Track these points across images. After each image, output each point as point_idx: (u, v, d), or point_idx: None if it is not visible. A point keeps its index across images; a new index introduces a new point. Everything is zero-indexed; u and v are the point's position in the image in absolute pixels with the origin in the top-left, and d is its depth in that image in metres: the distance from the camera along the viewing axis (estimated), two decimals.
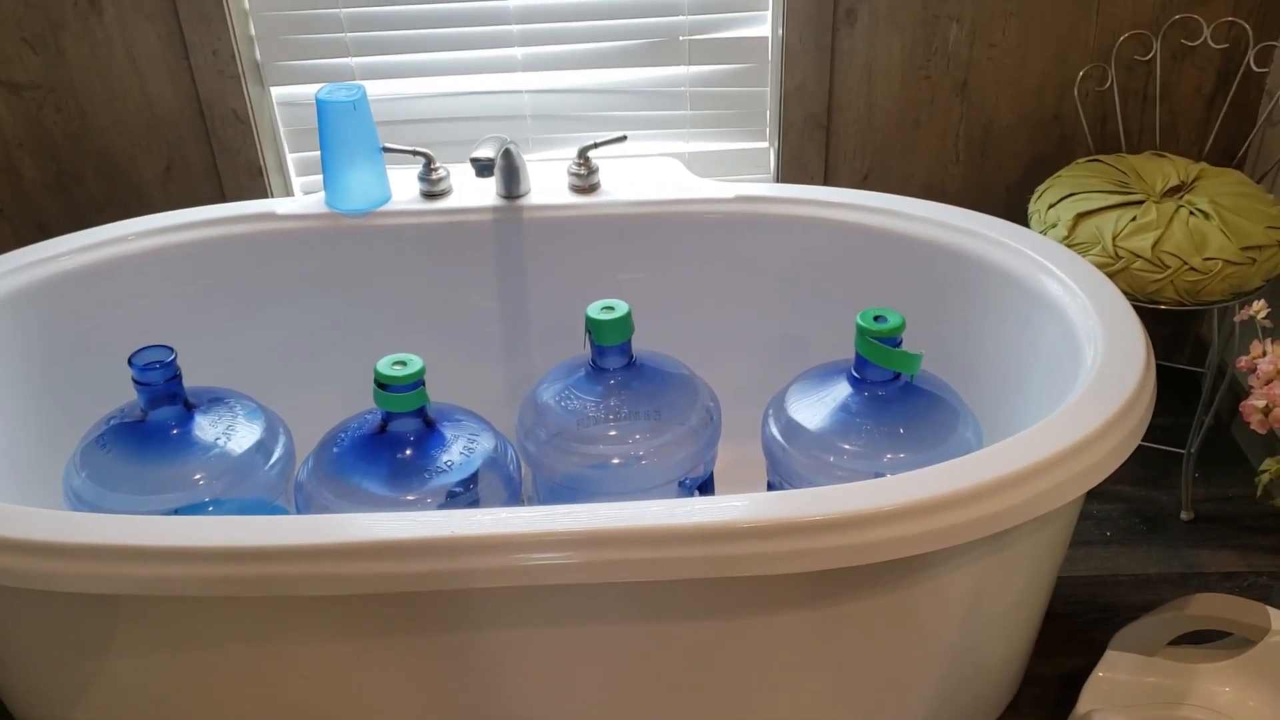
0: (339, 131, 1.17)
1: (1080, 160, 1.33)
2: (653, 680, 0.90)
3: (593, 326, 0.98)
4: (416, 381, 0.93)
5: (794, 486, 0.98)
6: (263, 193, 1.42)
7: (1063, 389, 0.95)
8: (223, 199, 1.42)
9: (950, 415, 0.97)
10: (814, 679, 0.92)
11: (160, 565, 0.79)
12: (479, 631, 0.85)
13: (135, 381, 0.96)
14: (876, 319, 0.94)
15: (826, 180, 1.42)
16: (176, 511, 0.98)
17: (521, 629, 0.85)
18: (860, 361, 0.96)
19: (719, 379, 1.11)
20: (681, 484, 1.00)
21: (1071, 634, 1.16)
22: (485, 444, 0.97)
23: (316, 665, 0.87)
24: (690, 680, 0.90)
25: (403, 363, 0.93)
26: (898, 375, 0.96)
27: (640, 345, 1.03)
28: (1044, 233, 1.23)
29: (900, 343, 0.94)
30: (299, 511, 0.97)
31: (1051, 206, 1.24)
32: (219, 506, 0.97)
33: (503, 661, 0.87)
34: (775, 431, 0.99)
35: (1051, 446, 0.84)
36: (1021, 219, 1.24)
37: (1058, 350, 1.01)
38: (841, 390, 0.98)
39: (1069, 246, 1.17)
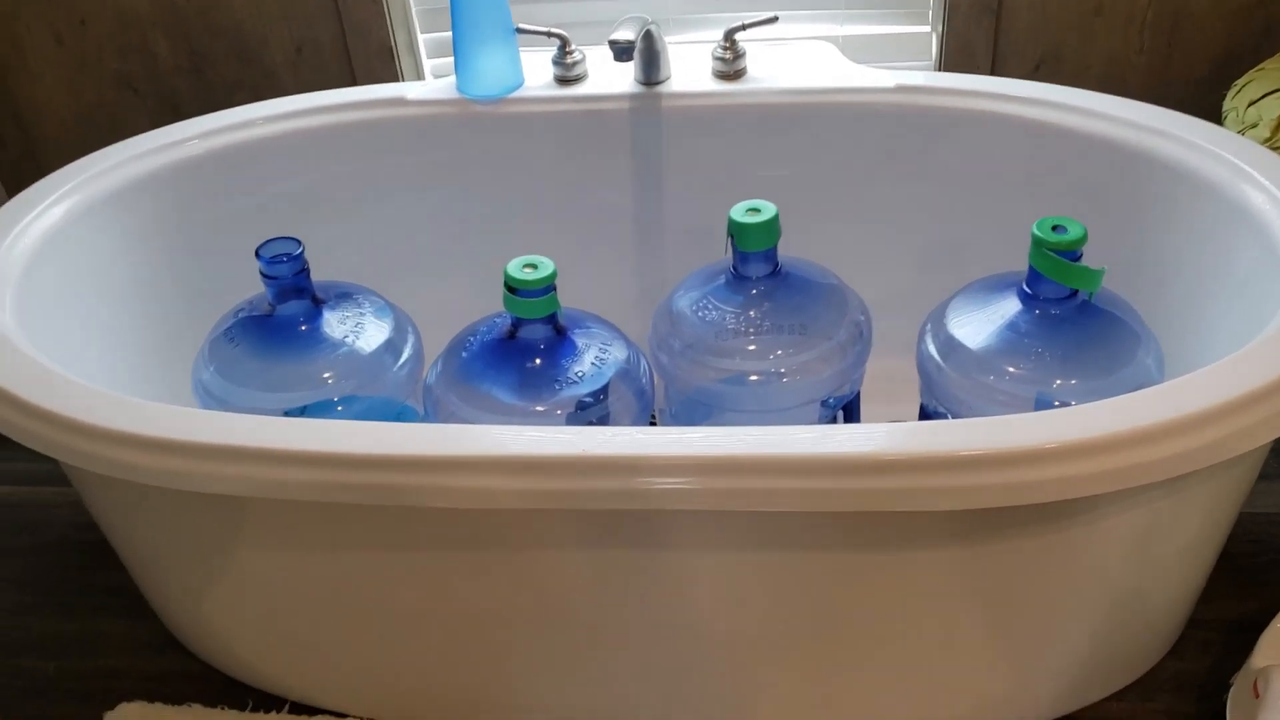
0: (471, 11, 1.10)
1: None
2: (792, 610, 0.85)
3: (735, 230, 0.90)
4: (548, 286, 0.88)
5: (950, 410, 0.91)
6: (393, 76, 1.37)
7: (1262, 316, 0.85)
8: (353, 82, 1.38)
9: (1130, 339, 0.87)
10: (962, 617, 0.86)
11: (288, 469, 0.76)
12: (603, 550, 0.81)
13: (262, 274, 0.93)
14: (1055, 229, 0.85)
15: (994, 69, 1.30)
16: (305, 409, 0.96)
17: (649, 550, 0.81)
18: (1033, 276, 0.87)
19: (865, 286, 1.03)
20: (825, 404, 0.93)
21: (1244, 576, 1.07)
22: (617, 355, 0.92)
23: (439, 573, 0.85)
24: (830, 613, 0.85)
25: (533, 265, 0.88)
26: (1074, 292, 0.87)
27: (781, 247, 0.96)
28: (1242, 134, 1.10)
29: (1080, 256, 0.85)
30: (427, 414, 0.94)
31: (1252, 104, 1.11)
32: (349, 404, 0.95)
33: (628, 582, 0.84)
34: (932, 349, 0.91)
35: (1245, 383, 0.74)
36: (1211, 117, 1.11)
37: (1257, 270, 0.90)
38: (1010, 306, 0.89)
39: (1273, 149, 1.04)
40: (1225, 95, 1.17)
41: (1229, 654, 1.00)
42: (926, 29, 1.31)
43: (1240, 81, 1.16)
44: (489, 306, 1.00)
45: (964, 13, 1.26)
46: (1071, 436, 0.72)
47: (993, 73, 1.30)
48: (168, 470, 0.77)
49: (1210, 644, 1.02)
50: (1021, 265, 0.98)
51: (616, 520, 0.79)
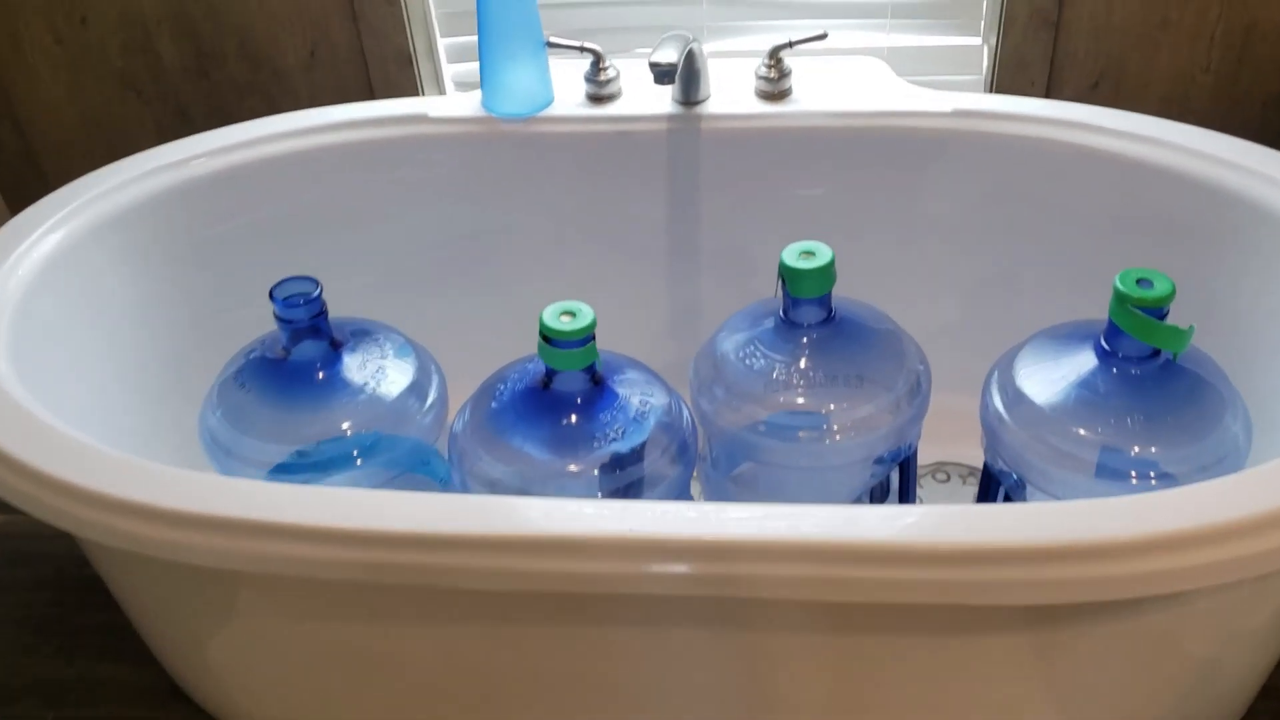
0: (499, 22, 1.03)
1: None
2: (850, 693, 0.79)
3: (788, 275, 0.83)
4: (587, 337, 0.81)
5: (1016, 471, 0.84)
6: (411, 82, 1.30)
7: None
8: (369, 88, 1.31)
9: (1216, 403, 0.81)
10: (1026, 698, 0.79)
11: (308, 546, 0.69)
12: (644, 628, 0.75)
13: (277, 317, 0.86)
14: (1139, 282, 0.78)
15: (1049, 85, 1.23)
16: (318, 446, 0.89)
17: (699, 629, 0.75)
18: (1113, 331, 0.80)
19: (911, 319, 0.96)
20: (879, 460, 0.87)
21: None
22: (657, 405, 0.85)
23: (465, 643, 0.79)
24: (886, 694, 0.79)
25: (571, 313, 0.81)
26: (1157, 351, 0.80)
27: None
28: None
29: (1166, 314, 0.78)
30: (451, 464, 0.87)
31: None
32: (372, 448, 0.88)
33: (667, 662, 0.77)
34: (999, 404, 0.84)
35: None
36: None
37: None
38: (1085, 362, 0.82)
39: None
40: None
41: None
42: (978, 41, 1.24)
43: None
44: (511, 336, 0.93)
45: (1021, 25, 1.18)
46: (1167, 527, 0.66)
47: (1048, 89, 1.23)
48: (173, 543, 0.71)
49: None
50: (1079, 301, 0.91)
51: (665, 600, 0.72)
